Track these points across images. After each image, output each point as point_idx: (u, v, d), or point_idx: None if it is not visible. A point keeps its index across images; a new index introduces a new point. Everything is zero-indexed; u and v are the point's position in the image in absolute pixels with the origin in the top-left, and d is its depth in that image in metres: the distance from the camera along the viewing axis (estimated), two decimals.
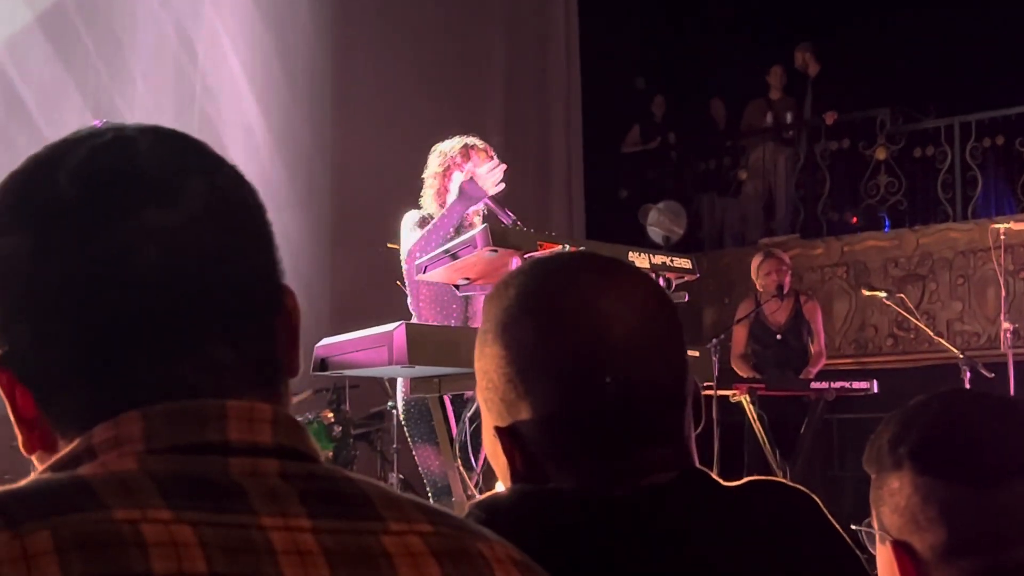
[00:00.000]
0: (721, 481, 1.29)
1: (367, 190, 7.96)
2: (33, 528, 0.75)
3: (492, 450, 1.31)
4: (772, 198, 10.76)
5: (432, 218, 4.83)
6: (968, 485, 1.33)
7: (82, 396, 0.85)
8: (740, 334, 7.46)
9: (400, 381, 4.71)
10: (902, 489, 1.37)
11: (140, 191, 0.86)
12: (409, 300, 4.95)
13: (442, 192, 4.87)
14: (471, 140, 4.91)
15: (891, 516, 1.39)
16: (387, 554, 0.83)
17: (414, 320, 4.83)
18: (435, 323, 4.80)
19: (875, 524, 1.43)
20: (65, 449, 0.85)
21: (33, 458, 0.89)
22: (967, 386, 6.76)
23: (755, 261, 7.42)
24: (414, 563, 0.83)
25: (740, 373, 7.28)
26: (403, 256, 4.85)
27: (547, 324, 1.25)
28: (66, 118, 6.81)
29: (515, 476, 1.26)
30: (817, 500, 1.33)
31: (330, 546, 0.81)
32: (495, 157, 4.90)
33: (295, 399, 6.57)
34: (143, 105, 7.12)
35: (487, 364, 1.28)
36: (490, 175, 4.73)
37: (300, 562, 0.80)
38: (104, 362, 0.84)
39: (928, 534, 1.35)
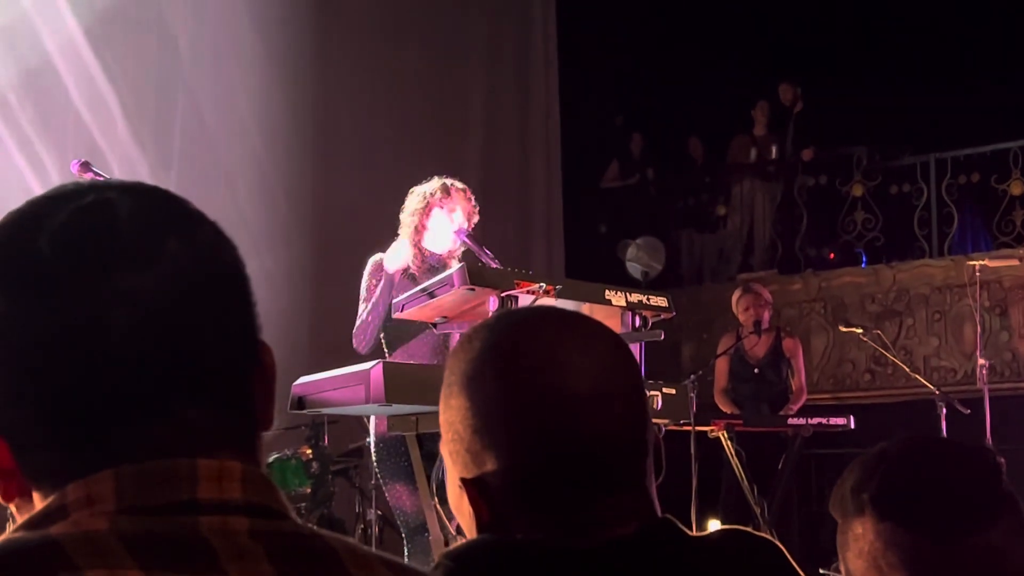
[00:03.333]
0: (686, 531, 1.31)
1: (347, 228, 7.98)
2: None
3: (457, 503, 1.33)
4: (752, 233, 10.82)
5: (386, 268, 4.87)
6: (928, 532, 1.36)
7: (55, 454, 0.87)
8: (721, 369, 7.49)
9: (373, 419, 4.72)
10: (865, 534, 1.39)
11: (116, 256, 0.87)
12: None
13: (420, 230, 4.89)
14: (450, 180, 4.95)
15: (855, 560, 1.41)
16: None
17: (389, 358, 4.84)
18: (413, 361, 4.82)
19: (841, 568, 1.46)
20: (39, 505, 0.86)
21: (11, 507, 0.91)
22: (943, 422, 6.79)
23: (735, 296, 7.46)
24: None
25: (722, 408, 7.29)
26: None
27: (511, 376, 1.28)
28: (52, 156, 6.83)
29: (481, 527, 1.28)
30: (783, 549, 1.34)
31: None
32: (472, 199, 4.93)
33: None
34: (122, 150, 7.13)
35: (452, 416, 1.30)
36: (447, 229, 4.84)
37: None
38: (75, 423, 0.86)
39: None
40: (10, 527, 0.87)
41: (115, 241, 0.88)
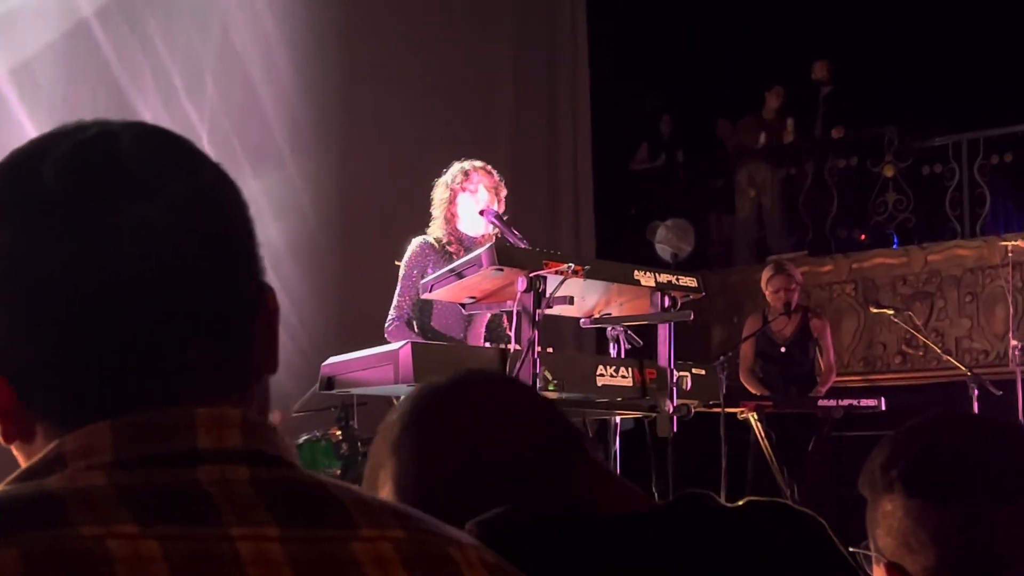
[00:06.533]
0: (723, 503, 1.30)
1: (376, 207, 8.00)
2: (2, 544, 0.76)
3: None
4: (762, 217, 10.82)
5: (438, 244, 4.89)
6: (958, 509, 1.35)
7: (58, 394, 0.85)
8: (748, 350, 7.47)
9: None
10: (894, 512, 1.38)
11: (121, 186, 0.85)
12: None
13: (450, 219, 4.93)
14: (467, 163, 4.96)
15: (885, 538, 1.41)
16: (356, 562, 0.83)
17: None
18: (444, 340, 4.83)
19: (871, 546, 1.45)
20: (43, 446, 0.85)
21: (13, 448, 0.90)
22: (975, 403, 6.76)
23: (765, 274, 7.41)
24: (383, 571, 0.83)
25: (749, 388, 7.28)
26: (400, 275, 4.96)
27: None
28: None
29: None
30: (824, 523, 1.32)
31: (297, 555, 0.81)
32: (495, 173, 4.94)
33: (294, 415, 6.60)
34: (150, 119, 7.16)
35: None
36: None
37: (266, 572, 0.80)
38: (79, 361, 0.85)
39: (920, 556, 1.36)
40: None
41: (119, 171, 0.86)
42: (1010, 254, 7.48)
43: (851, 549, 1.46)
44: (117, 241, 0.84)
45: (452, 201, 4.91)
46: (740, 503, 1.31)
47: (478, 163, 4.98)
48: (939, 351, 7.69)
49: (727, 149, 11.41)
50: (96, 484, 0.81)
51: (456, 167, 4.98)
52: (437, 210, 4.98)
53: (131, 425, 0.83)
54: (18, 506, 0.79)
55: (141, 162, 0.87)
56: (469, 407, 1.31)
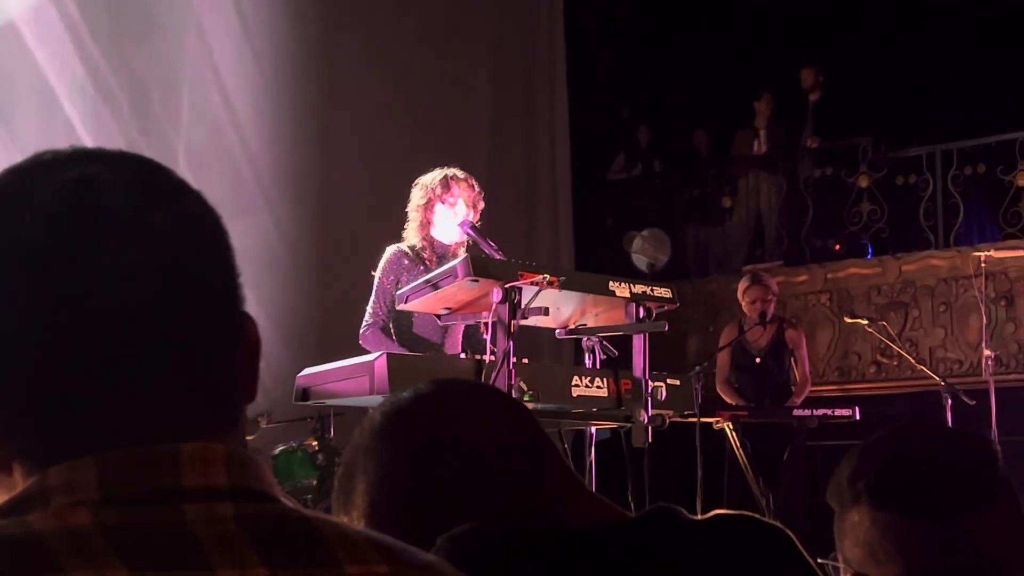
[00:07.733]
0: (689, 515, 1.31)
1: (353, 218, 7.99)
2: None
3: None
4: (759, 225, 10.83)
5: (412, 251, 4.91)
6: (924, 520, 1.36)
7: (37, 433, 0.86)
8: (723, 360, 7.49)
9: None
10: (861, 523, 1.40)
11: (103, 233, 0.86)
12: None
13: (425, 225, 4.93)
14: (451, 171, 4.97)
15: (852, 549, 1.42)
16: None
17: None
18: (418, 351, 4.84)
19: (839, 557, 1.46)
20: (20, 482, 0.85)
21: None
22: (949, 413, 6.79)
23: (742, 284, 7.44)
24: None
25: (725, 398, 7.30)
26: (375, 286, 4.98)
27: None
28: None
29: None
30: (791, 536, 1.33)
31: None
32: (476, 186, 4.95)
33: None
34: (127, 134, 7.14)
35: None
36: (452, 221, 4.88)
37: None
38: (58, 402, 0.85)
39: (887, 567, 1.38)
40: None
41: (101, 218, 0.87)
42: (983, 264, 7.52)
43: (819, 560, 1.47)
44: (99, 286, 0.85)
45: (429, 208, 4.92)
46: (708, 516, 1.32)
47: (460, 174, 4.97)
48: (913, 361, 7.73)
49: (703, 157, 11.47)
50: (83, 524, 0.81)
51: (439, 173, 4.97)
52: (413, 212, 4.98)
53: (116, 461, 0.84)
54: (6, 550, 0.79)
55: (123, 206, 0.87)
56: (441, 416, 1.32)
